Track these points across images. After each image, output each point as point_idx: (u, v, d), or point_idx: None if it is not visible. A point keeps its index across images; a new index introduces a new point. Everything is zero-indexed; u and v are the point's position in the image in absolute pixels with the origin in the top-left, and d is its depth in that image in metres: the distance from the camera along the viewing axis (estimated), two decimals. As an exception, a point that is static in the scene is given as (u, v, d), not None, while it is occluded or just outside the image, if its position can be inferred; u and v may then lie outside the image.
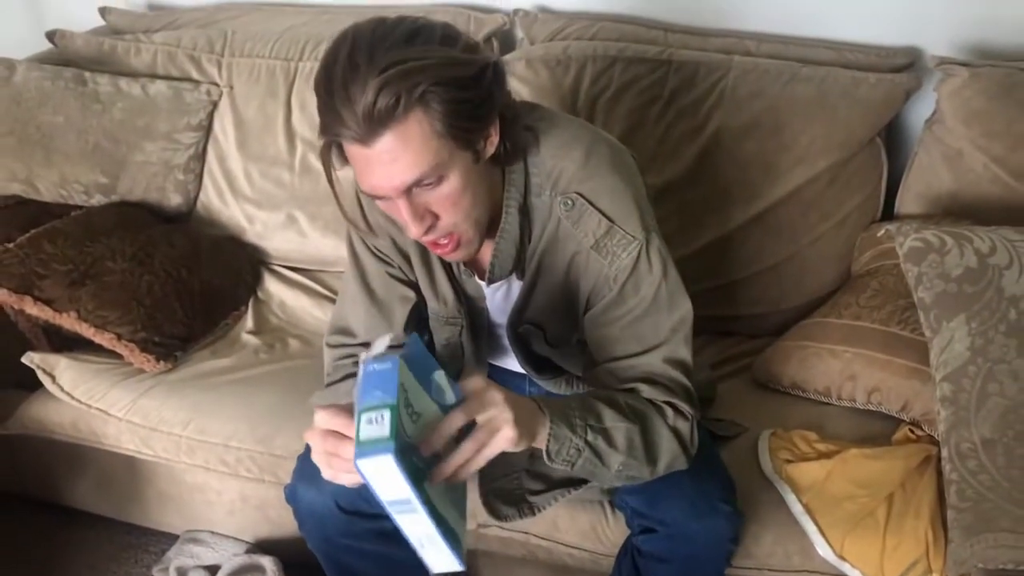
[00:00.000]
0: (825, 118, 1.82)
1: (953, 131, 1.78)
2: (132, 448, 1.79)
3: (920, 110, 1.93)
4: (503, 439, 1.02)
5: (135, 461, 1.87)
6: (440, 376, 1.04)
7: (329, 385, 1.37)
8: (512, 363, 1.56)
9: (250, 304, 2.05)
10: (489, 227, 1.22)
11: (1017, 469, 1.33)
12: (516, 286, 1.34)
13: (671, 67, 1.92)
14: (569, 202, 1.23)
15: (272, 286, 2.09)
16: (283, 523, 1.86)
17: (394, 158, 1.05)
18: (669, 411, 1.23)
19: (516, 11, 2.11)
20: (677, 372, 1.25)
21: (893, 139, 1.97)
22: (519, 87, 1.97)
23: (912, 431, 1.55)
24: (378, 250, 1.35)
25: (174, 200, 2.13)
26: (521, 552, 1.61)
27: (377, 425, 0.92)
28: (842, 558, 1.41)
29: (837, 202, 1.86)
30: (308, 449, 1.40)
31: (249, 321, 2.00)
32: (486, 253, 1.29)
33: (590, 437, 1.15)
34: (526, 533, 1.56)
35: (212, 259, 2.01)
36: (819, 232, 1.86)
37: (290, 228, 2.10)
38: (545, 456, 1.14)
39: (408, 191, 1.08)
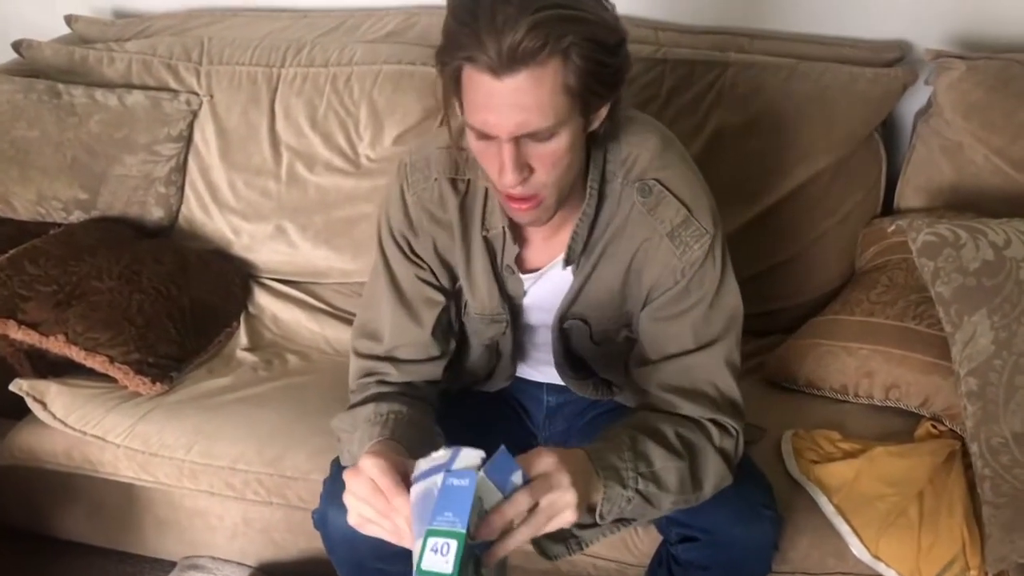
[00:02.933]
0: (825, 114, 1.82)
1: (952, 124, 1.79)
2: (131, 475, 1.71)
3: (910, 103, 1.94)
4: (562, 521, 1.01)
5: (131, 488, 1.79)
6: (518, 476, 0.98)
7: (352, 407, 1.32)
8: (529, 371, 1.53)
9: (242, 320, 1.98)
10: (560, 206, 1.20)
11: (1052, 462, 1.34)
12: (562, 279, 1.31)
13: (667, 65, 1.90)
14: (647, 188, 1.22)
15: (263, 300, 2.03)
16: (287, 546, 1.81)
17: (521, 100, 1.02)
18: (715, 431, 1.22)
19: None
20: (728, 377, 1.24)
21: (886, 133, 1.97)
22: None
23: (934, 426, 1.55)
24: (413, 253, 1.31)
25: (155, 214, 2.06)
26: (545, 565, 1.57)
27: (442, 557, 0.87)
28: (877, 558, 1.40)
29: (839, 198, 1.86)
30: (337, 471, 1.36)
31: (243, 337, 1.93)
32: (537, 242, 1.29)
33: (641, 486, 1.14)
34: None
35: (200, 274, 1.94)
36: (822, 229, 1.86)
37: (279, 239, 2.04)
38: (597, 516, 1.12)
39: (519, 138, 1.06)
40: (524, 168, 1.09)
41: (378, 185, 1.99)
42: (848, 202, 1.86)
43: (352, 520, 1.03)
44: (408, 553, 1.36)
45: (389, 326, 1.33)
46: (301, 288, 2.05)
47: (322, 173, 2.01)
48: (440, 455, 0.96)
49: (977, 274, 1.47)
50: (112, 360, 1.71)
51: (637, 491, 1.14)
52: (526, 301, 1.36)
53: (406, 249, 1.32)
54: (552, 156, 1.09)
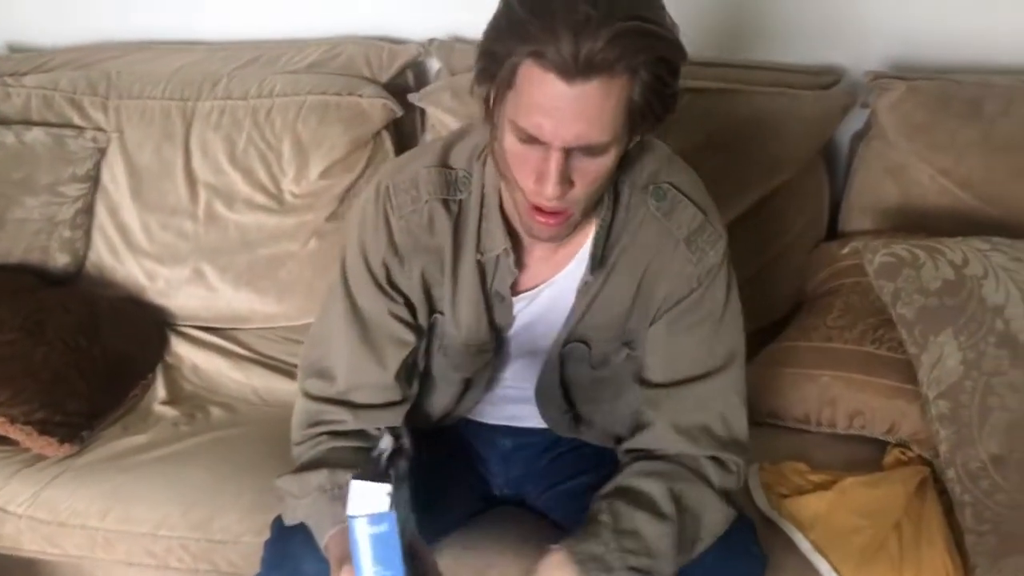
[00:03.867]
0: (770, 138, 1.78)
1: (895, 145, 1.77)
2: (35, 549, 1.54)
3: (846, 127, 1.92)
4: None
5: (34, 564, 1.61)
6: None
7: (301, 469, 1.19)
8: (488, 411, 1.41)
9: (159, 371, 1.83)
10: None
11: (1033, 485, 1.29)
12: (562, 298, 1.22)
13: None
14: (660, 192, 1.17)
15: (181, 349, 1.88)
16: (215, 618, 1.64)
17: (585, 110, 0.95)
18: (714, 471, 1.16)
19: (431, 41, 1.98)
20: (738, 409, 1.20)
21: (825, 158, 1.94)
22: (446, 118, 1.85)
23: (903, 452, 1.49)
24: (391, 284, 1.20)
25: (60, 260, 1.90)
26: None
27: None
28: (860, 597, 1.32)
29: (786, 223, 1.82)
30: (279, 532, 1.23)
31: (160, 390, 1.78)
32: (533, 263, 1.21)
33: (633, 562, 1.08)
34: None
35: (112, 324, 1.79)
36: (770, 254, 1.82)
37: (197, 283, 1.90)
38: None
39: (570, 149, 0.98)
40: (567, 182, 1.01)
41: (304, 221, 1.87)
42: (795, 227, 1.83)
43: None
44: None
45: (346, 365, 1.21)
46: (223, 335, 1.92)
47: (243, 211, 1.89)
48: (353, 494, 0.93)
49: (939, 294, 1.44)
50: (13, 420, 1.55)
51: (629, 568, 1.07)
52: (514, 328, 1.26)
53: (382, 280, 1.20)
54: (596, 172, 1.02)
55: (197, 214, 1.90)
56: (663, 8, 0.98)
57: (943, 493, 1.42)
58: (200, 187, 1.90)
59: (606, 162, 1.02)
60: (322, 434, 1.21)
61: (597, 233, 1.16)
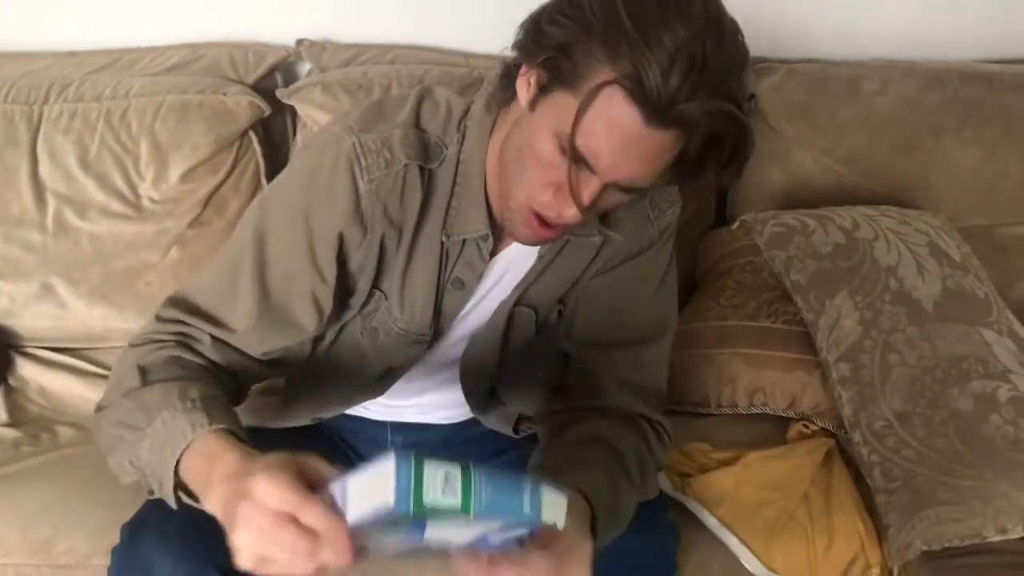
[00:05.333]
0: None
1: (777, 129, 1.75)
2: None
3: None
4: None
5: None
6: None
7: (138, 388, 0.95)
8: (387, 403, 1.28)
9: (0, 394, 1.64)
10: None
11: (940, 437, 1.24)
12: (519, 263, 1.11)
13: (484, 85, 1.77)
14: None
15: (27, 371, 1.70)
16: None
17: (646, 155, 0.87)
18: (653, 437, 1.11)
19: (301, 41, 1.90)
20: (665, 381, 1.17)
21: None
22: (316, 114, 1.75)
23: (805, 426, 1.44)
24: (328, 261, 1.02)
25: None
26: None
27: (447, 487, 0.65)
28: (772, 571, 1.24)
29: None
30: (129, 537, 1.06)
31: (1, 413, 1.60)
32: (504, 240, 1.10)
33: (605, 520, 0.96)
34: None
35: (-57, 344, 1.60)
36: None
37: (46, 299, 1.72)
38: None
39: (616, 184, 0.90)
40: (592, 208, 0.92)
41: (164, 228, 1.72)
42: (682, 215, 1.77)
43: (244, 562, 0.73)
44: None
45: (246, 322, 1.03)
46: (76, 354, 1.74)
47: (97, 219, 1.73)
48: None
49: (832, 257, 1.40)
50: None
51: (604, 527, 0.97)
52: (464, 310, 1.14)
53: (323, 253, 1.02)
54: (616, 203, 0.96)
55: (45, 224, 1.73)
56: (749, 64, 0.91)
57: (849, 464, 1.36)
58: (48, 195, 1.74)
59: (635, 196, 0.96)
60: (170, 341, 1.00)
61: None
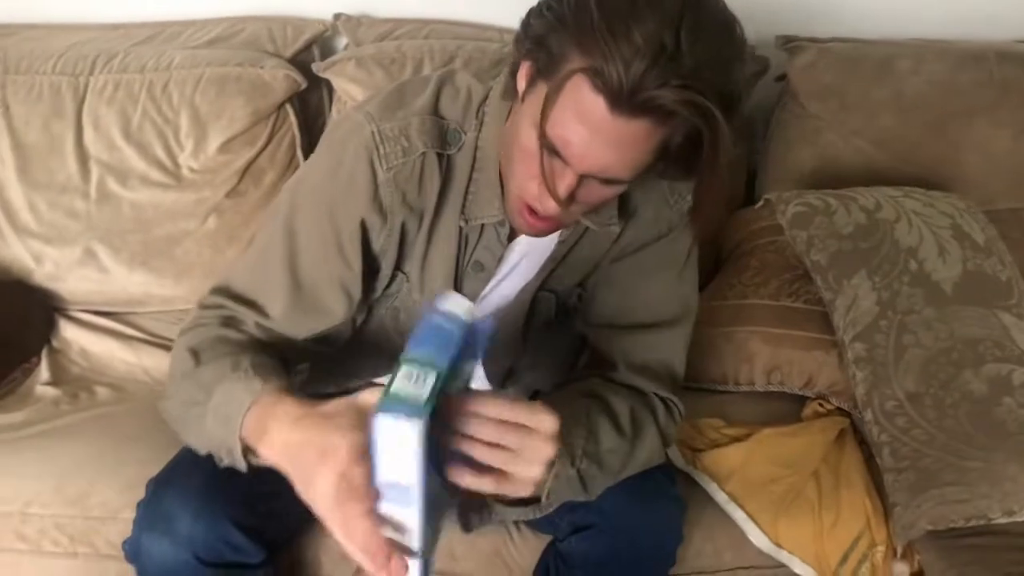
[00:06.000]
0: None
1: (808, 108, 1.74)
2: None
3: (758, 101, 1.90)
4: (527, 480, 0.85)
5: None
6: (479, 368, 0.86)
7: (192, 370, 1.02)
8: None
9: (44, 355, 1.71)
10: None
11: (951, 418, 1.24)
12: (539, 248, 1.13)
13: (503, 71, 1.79)
14: None
15: (70, 333, 1.76)
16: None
17: (620, 146, 0.86)
18: (662, 410, 1.12)
19: (338, 15, 1.93)
20: (683, 364, 1.16)
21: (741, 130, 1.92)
22: (351, 87, 1.79)
23: (821, 405, 1.44)
24: (355, 247, 1.06)
25: (-62, 242, 1.78)
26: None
27: (415, 384, 0.76)
28: (778, 546, 1.26)
29: (700, 189, 1.77)
30: (153, 493, 1.12)
31: (44, 373, 1.66)
32: None
33: (583, 466, 1.00)
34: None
35: (-8, 305, 1.67)
36: (687, 222, 1.77)
37: (88, 264, 1.79)
38: (544, 495, 0.96)
39: (587, 175, 0.90)
40: (571, 200, 0.92)
41: (202, 198, 1.78)
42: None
43: (322, 509, 0.81)
44: None
45: (282, 308, 1.08)
46: (116, 318, 1.80)
47: (138, 188, 1.79)
48: None
49: (852, 238, 1.40)
50: None
51: (578, 472, 1.00)
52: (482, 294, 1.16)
53: (346, 242, 1.06)
54: (601, 196, 0.95)
55: (89, 192, 1.80)
56: (743, 60, 0.88)
57: (862, 444, 1.37)
58: (92, 164, 1.80)
59: (617, 189, 0.96)
60: (214, 321, 1.07)
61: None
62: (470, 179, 1.07)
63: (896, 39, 1.77)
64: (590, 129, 0.85)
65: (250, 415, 0.93)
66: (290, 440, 0.86)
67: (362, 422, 0.79)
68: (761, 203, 1.56)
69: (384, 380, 0.87)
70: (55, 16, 2.01)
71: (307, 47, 1.91)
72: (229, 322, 1.07)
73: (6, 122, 1.81)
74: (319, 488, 0.80)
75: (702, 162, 0.87)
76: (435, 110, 1.06)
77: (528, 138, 0.91)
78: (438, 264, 1.11)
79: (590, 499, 1.05)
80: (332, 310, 1.10)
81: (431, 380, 0.76)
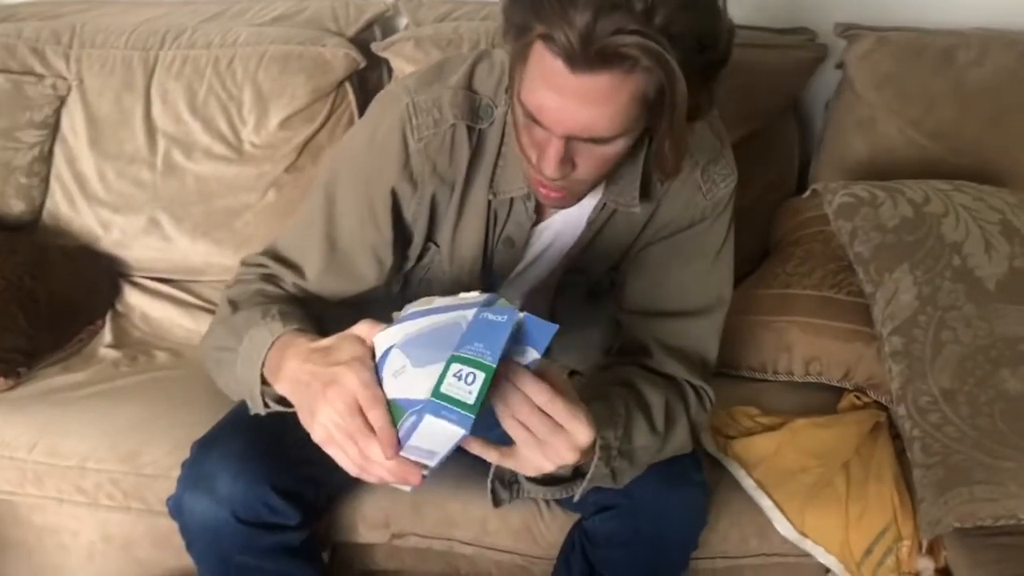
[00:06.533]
0: (738, 88, 1.72)
1: (864, 97, 1.72)
2: (-35, 483, 1.50)
3: (820, 90, 1.88)
4: (533, 466, 0.89)
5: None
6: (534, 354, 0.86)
7: (236, 311, 1.08)
8: None
9: (108, 319, 1.79)
10: None
11: (984, 417, 1.23)
12: (569, 229, 1.16)
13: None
14: None
15: (133, 299, 1.84)
16: (152, 564, 1.59)
17: (590, 102, 0.87)
18: (694, 399, 1.13)
19: (398, -5, 1.96)
20: (715, 351, 1.17)
21: (798, 121, 1.90)
22: (408, 67, 1.81)
23: (858, 397, 1.44)
24: (387, 214, 1.11)
25: (16, 207, 1.87)
26: (440, 566, 1.40)
27: (465, 385, 0.78)
28: (803, 535, 1.26)
29: (753, 177, 1.75)
30: (197, 453, 1.18)
31: (107, 335, 1.75)
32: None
33: (617, 464, 1.02)
34: (450, 540, 1.36)
35: (62, 269, 1.75)
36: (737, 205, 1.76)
37: (153, 233, 1.86)
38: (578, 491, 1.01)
39: (573, 137, 0.91)
40: (568, 164, 0.94)
41: (263, 172, 1.84)
42: (762, 181, 1.77)
43: (318, 436, 0.87)
44: (280, 549, 1.20)
45: (317, 271, 1.14)
46: (177, 286, 1.88)
47: (201, 161, 1.85)
48: (470, 296, 0.87)
49: (896, 231, 1.39)
50: (-53, 351, 1.52)
51: (611, 468, 1.01)
52: (515, 271, 1.20)
53: (380, 211, 1.10)
54: (601, 158, 0.95)
55: (155, 163, 1.87)
56: (711, 2, 0.87)
57: (897, 438, 1.36)
58: (159, 136, 1.87)
59: (614, 149, 0.94)
60: (256, 278, 1.13)
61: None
62: (499, 153, 1.10)
63: (959, 28, 1.73)
64: (558, 92, 0.87)
65: (271, 353, 0.99)
66: (299, 372, 0.91)
67: (361, 350, 0.86)
68: (808, 193, 1.55)
69: (397, 314, 0.91)
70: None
71: (368, 26, 1.95)
72: (269, 279, 1.14)
73: (80, 94, 1.89)
74: (319, 417, 0.86)
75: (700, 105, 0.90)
76: (469, 84, 1.09)
77: (516, 111, 0.94)
78: (468, 236, 1.14)
79: (617, 488, 1.07)
80: (364, 275, 1.14)
81: (480, 380, 0.77)
